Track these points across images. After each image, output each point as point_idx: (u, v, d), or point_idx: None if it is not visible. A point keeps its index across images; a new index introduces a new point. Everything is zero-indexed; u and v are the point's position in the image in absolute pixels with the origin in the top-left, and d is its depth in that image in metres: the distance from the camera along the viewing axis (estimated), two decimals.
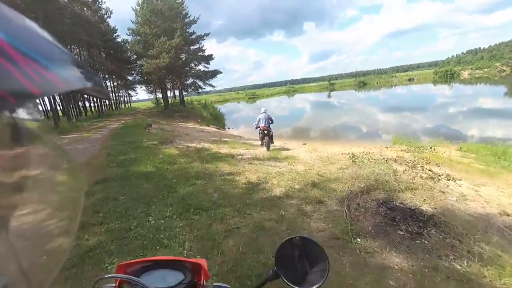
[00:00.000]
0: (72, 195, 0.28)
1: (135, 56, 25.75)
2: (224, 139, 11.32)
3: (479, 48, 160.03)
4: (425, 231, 2.52)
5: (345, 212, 2.94)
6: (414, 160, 5.11)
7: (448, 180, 3.97)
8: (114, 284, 0.65)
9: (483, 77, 63.76)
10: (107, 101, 35.38)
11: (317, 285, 0.64)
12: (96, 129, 12.46)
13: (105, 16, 24.47)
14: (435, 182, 3.82)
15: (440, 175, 4.17)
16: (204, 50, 28.78)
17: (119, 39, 28.69)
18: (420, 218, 2.71)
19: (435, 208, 2.94)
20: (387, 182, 3.63)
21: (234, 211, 3.08)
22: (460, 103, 23.98)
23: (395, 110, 23.10)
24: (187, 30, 25.85)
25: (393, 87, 68.12)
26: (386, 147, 9.23)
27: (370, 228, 2.62)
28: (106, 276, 0.58)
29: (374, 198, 3.16)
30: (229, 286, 0.71)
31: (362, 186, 3.58)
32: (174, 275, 0.67)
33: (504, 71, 68.78)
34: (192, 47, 27.09)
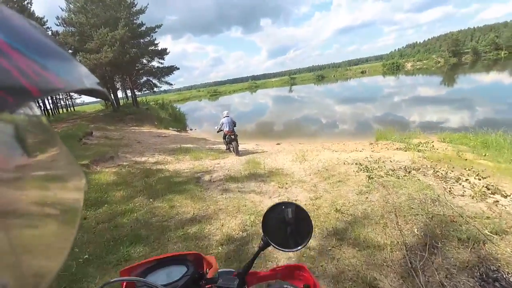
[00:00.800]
0: (72, 195, 0.27)
1: (70, 51, 21.58)
2: (185, 146, 9.36)
3: (416, 42, 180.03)
4: None
5: None
6: (434, 166, 4.00)
7: (506, 197, 2.86)
8: None
9: (423, 68, 70.89)
10: (45, 106, 29.77)
11: (304, 244, 0.67)
12: None
13: (25, 3, 19.80)
14: (496, 205, 2.66)
15: (487, 188, 3.06)
16: (157, 44, 25.65)
17: (48, 32, 23.90)
18: None
19: None
20: (449, 221, 2.32)
21: None
22: (416, 92, 25.29)
23: (360, 101, 23.25)
24: (134, 21, 22.53)
25: (349, 79, 71.60)
26: (371, 143, 8.35)
27: None
28: (112, 280, 0.59)
29: (454, 261, 1.82)
30: (233, 270, 0.74)
31: (415, 231, 2.22)
32: (177, 270, 0.70)
33: (439, 62, 77.54)
34: (142, 40, 23.81)
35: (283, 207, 0.71)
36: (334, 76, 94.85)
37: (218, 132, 8.20)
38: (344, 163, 4.51)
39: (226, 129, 7.75)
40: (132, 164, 6.23)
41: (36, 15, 23.67)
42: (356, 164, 4.39)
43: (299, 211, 0.70)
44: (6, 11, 0.18)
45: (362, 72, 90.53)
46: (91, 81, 0.22)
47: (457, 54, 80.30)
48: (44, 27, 23.78)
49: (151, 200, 3.34)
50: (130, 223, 2.80)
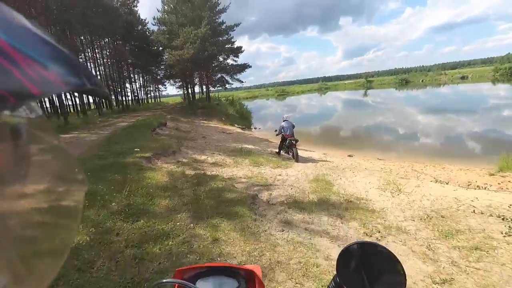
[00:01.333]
0: (72, 195, 0.28)
1: (161, 48, 24.34)
2: (246, 147, 8.82)
3: None
4: None
5: None
6: None
7: None
8: None
9: None
10: (137, 95, 35.11)
11: None
12: (101, 128, 10.77)
13: (130, 4, 23.18)
14: None
15: None
16: (234, 42, 26.54)
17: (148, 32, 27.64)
18: None
19: None
20: None
21: None
22: None
23: (461, 113, 18.50)
24: (216, 20, 23.75)
25: (442, 85, 59.78)
26: (492, 174, 5.97)
27: None
28: (164, 281, 0.61)
29: None
30: None
31: None
32: (228, 283, 0.69)
33: None
34: (220, 38, 24.95)
35: (368, 248, 0.59)
36: (422, 81, 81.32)
37: (277, 135, 8.09)
38: (474, 211, 2.90)
39: (287, 133, 7.54)
40: (191, 162, 5.93)
41: (141, 18, 27.73)
42: (498, 216, 2.74)
43: (389, 257, 0.56)
44: (7, 11, 0.18)
45: (462, 78, 74.64)
46: (92, 80, 0.22)
47: None
48: (145, 27, 27.66)
49: (194, 221, 2.68)
50: (161, 255, 2.15)
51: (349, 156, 10.02)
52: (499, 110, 18.16)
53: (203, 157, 6.44)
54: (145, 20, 28.85)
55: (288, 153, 7.82)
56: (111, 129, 10.14)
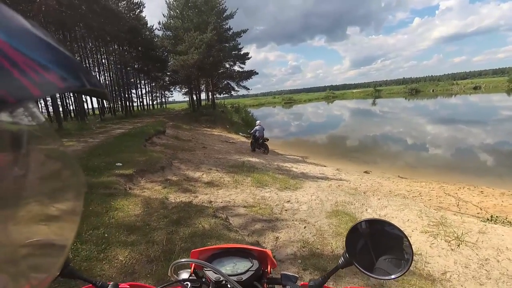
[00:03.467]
0: (71, 197, 0.28)
1: (165, 54, 23.86)
2: (250, 160, 7.82)
3: None
4: None
5: None
6: None
7: None
8: (189, 269, 0.73)
9: None
10: (142, 101, 34.74)
11: (397, 274, 0.58)
12: (94, 135, 9.96)
13: (135, 8, 22.84)
14: None
15: None
16: (241, 48, 25.93)
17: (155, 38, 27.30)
18: None
19: None
20: None
21: None
22: None
23: (486, 126, 17.04)
24: (223, 26, 23.22)
25: (454, 96, 57.83)
26: None
27: None
28: (182, 260, 0.62)
29: None
30: (297, 276, 0.70)
31: None
32: (242, 263, 0.71)
33: None
34: (226, 45, 24.35)
35: (375, 225, 0.64)
36: (433, 90, 79.38)
37: (250, 134, 10.72)
38: None
39: (260, 134, 10.00)
40: (181, 180, 4.96)
41: (147, 25, 27.51)
42: None
43: (396, 232, 0.60)
44: (7, 11, 0.18)
45: (475, 88, 72.45)
46: (91, 81, 0.22)
47: None
48: (152, 34, 27.41)
49: None
50: None
51: (366, 172, 8.89)
52: None
53: (197, 174, 5.46)
54: (152, 26, 28.71)
55: (260, 149, 10.11)
56: (104, 137, 9.30)
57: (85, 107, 21.18)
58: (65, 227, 0.27)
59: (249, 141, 16.20)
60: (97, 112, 26.54)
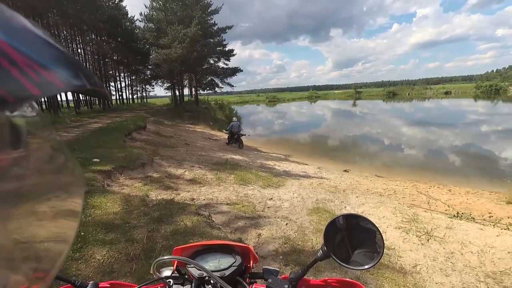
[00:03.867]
0: (71, 195, 0.28)
1: (147, 47, 23.01)
2: (233, 158, 7.81)
3: None
4: None
5: None
6: None
7: None
8: (172, 267, 0.73)
9: None
10: (121, 94, 33.26)
11: (370, 264, 0.62)
12: (68, 129, 9.39)
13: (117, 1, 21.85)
14: None
15: None
16: (226, 44, 25.63)
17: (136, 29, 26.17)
18: None
19: None
20: None
21: None
22: None
23: (454, 128, 18.27)
24: (208, 21, 22.79)
25: (427, 100, 61.23)
26: (511, 203, 5.28)
27: None
28: (165, 258, 0.62)
29: None
30: (278, 269, 0.72)
31: None
32: (225, 259, 0.72)
33: None
34: (211, 40, 23.97)
35: (352, 219, 0.67)
36: (409, 94, 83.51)
37: (227, 131, 11.33)
38: None
39: (235, 129, 10.78)
40: (163, 177, 4.85)
41: (129, 15, 26.34)
42: None
43: (369, 226, 0.64)
44: (7, 11, 0.18)
45: (446, 93, 77.17)
46: (92, 80, 0.22)
47: None
48: (133, 25, 26.30)
49: None
50: None
51: (345, 171, 9.20)
52: (490, 125, 18.12)
53: (179, 171, 5.37)
54: (133, 17, 27.52)
55: (236, 143, 10.96)
56: (79, 131, 8.84)
57: (58, 99, 19.96)
58: (66, 225, 0.27)
59: None
60: (71, 104, 25.09)
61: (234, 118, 12.05)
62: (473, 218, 3.69)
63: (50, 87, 0.18)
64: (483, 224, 3.32)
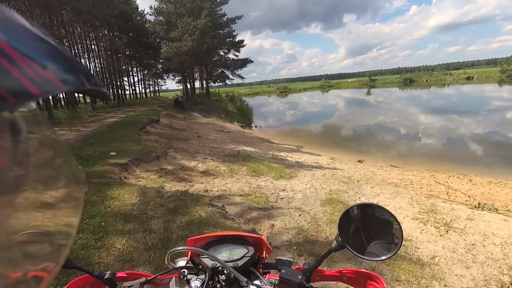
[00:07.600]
0: (71, 194, 0.28)
1: (158, 40, 23.14)
2: (245, 149, 7.83)
3: None
4: None
5: None
6: None
7: None
8: (186, 257, 0.75)
9: None
10: (134, 89, 33.93)
11: (388, 255, 0.60)
12: (86, 124, 9.78)
13: None
14: None
15: None
16: (235, 35, 25.32)
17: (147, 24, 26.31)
18: None
19: None
20: None
21: None
22: None
23: (477, 116, 17.34)
24: (217, 11, 22.53)
25: (447, 86, 58.24)
26: None
27: None
28: (179, 248, 0.64)
29: None
30: (291, 260, 0.72)
31: None
32: (238, 250, 0.73)
33: None
34: (221, 31, 23.74)
35: (367, 209, 0.64)
36: (427, 80, 79.77)
37: (173, 99, 16.91)
38: None
39: (179, 99, 17.65)
40: (177, 169, 4.96)
41: (139, 9, 26.50)
42: None
43: (387, 216, 0.61)
44: (7, 11, 0.18)
45: (467, 78, 73.05)
46: (91, 80, 0.22)
47: None
48: (144, 19, 26.46)
49: None
50: None
51: (359, 161, 9.02)
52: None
53: (192, 163, 5.46)
54: (143, 11, 27.63)
55: (180, 106, 17.58)
56: (96, 126, 9.14)
57: (76, 95, 20.62)
58: (65, 225, 0.27)
59: (244, 130, 16.24)
60: (88, 100, 25.88)
61: (179, 93, 17.53)
62: (496, 209, 3.53)
63: (50, 87, 0.18)
64: (506, 215, 3.17)
